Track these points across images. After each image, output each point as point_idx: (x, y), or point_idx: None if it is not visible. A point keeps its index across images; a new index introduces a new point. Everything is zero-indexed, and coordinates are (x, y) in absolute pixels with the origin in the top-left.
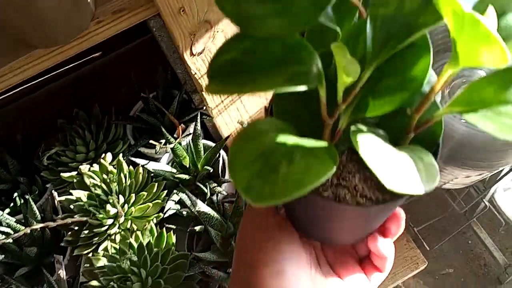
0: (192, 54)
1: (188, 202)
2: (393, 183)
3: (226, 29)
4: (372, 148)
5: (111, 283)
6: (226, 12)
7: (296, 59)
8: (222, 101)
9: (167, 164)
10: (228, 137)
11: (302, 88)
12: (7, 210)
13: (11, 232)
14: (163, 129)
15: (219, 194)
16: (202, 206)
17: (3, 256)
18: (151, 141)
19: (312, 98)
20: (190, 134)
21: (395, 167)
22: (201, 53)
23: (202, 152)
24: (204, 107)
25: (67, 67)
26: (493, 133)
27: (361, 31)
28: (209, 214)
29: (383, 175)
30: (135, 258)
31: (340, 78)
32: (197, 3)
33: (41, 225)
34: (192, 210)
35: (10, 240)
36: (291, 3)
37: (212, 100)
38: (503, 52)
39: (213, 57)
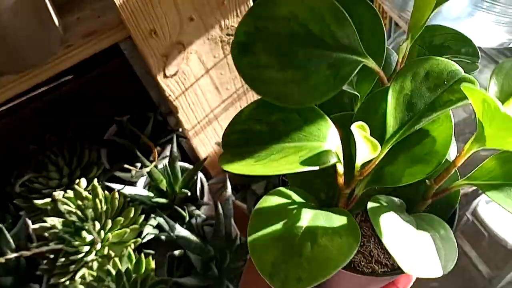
0: (165, 76)
1: (166, 227)
2: (413, 269)
3: (199, 50)
4: (393, 233)
5: None
6: (246, 77)
7: (313, 134)
8: (198, 122)
9: (144, 188)
10: (205, 159)
11: (319, 166)
12: None
13: None
14: (138, 153)
15: (198, 218)
16: (181, 230)
17: None
18: (126, 166)
19: (326, 168)
20: (166, 156)
21: (416, 253)
22: (174, 75)
23: (179, 175)
24: (180, 129)
25: (38, 91)
26: None
27: (381, 101)
28: (188, 238)
29: (404, 262)
30: (113, 286)
31: (358, 155)
32: (169, 25)
33: (15, 254)
34: (171, 234)
35: None
36: (311, 73)
37: (188, 122)
38: None
39: (228, 126)
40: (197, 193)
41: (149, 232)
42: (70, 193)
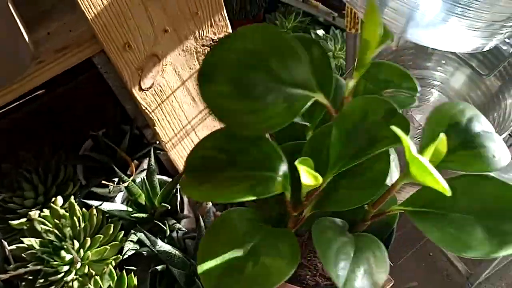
0: (141, 89)
1: (147, 242)
2: (347, 285)
3: (174, 61)
4: (330, 252)
5: None
6: (209, 105)
7: (265, 164)
8: (175, 134)
9: (122, 203)
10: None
11: (267, 195)
12: None
13: None
14: (116, 168)
15: (179, 231)
16: (162, 245)
17: None
18: (104, 182)
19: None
20: (144, 170)
21: (349, 270)
22: (150, 87)
23: (158, 189)
24: (158, 142)
25: (9, 106)
26: (436, 242)
27: (326, 136)
28: (171, 252)
29: (338, 279)
30: None
31: (303, 184)
32: (142, 37)
33: None
34: (153, 250)
35: None
36: (268, 105)
37: (165, 134)
38: (438, 183)
39: (190, 151)
40: (177, 206)
41: (129, 248)
42: (46, 212)
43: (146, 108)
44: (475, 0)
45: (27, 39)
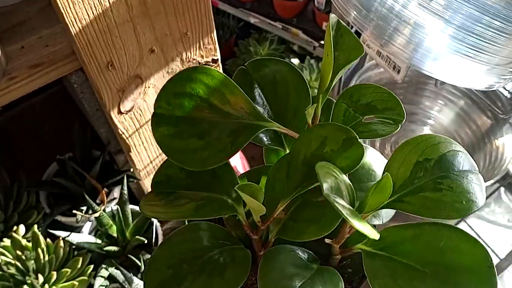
0: (120, 112)
1: (120, 278)
2: None
3: (158, 83)
4: (272, 281)
5: None
6: (159, 144)
7: (221, 187)
8: (151, 162)
9: (90, 234)
10: None
11: (212, 216)
12: None
13: None
14: (87, 196)
15: None
16: (139, 283)
17: None
18: (74, 212)
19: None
20: (114, 199)
21: None
22: (129, 110)
23: (131, 219)
24: (131, 169)
25: None
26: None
27: (284, 164)
28: None
29: None
30: None
31: (252, 212)
32: (127, 57)
33: None
34: (125, 286)
35: None
36: (212, 141)
37: (140, 161)
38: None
39: (159, 168)
40: (152, 240)
41: (100, 284)
42: (7, 242)
43: (123, 133)
44: (482, 42)
45: None
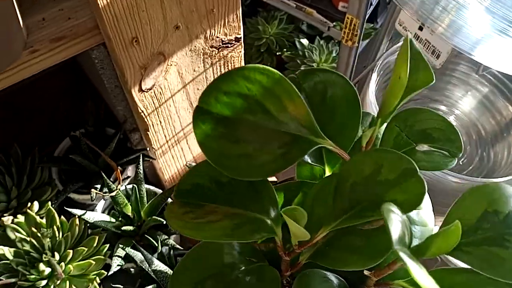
0: (140, 90)
1: (138, 258)
2: None
3: (180, 62)
4: None
5: None
6: (200, 144)
7: (256, 204)
8: (167, 141)
9: (103, 212)
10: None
11: (250, 240)
12: None
13: None
14: (103, 174)
15: (170, 247)
16: (158, 264)
17: None
18: (92, 190)
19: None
20: (128, 177)
21: None
22: (150, 88)
23: (146, 199)
24: (145, 148)
25: None
26: None
27: (329, 186)
28: (166, 273)
29: None
30: None
31: (292, 235)
32: (152, 33)
33: None
34: (143, 267)
35: None
36: (262, 150)
37: (157, 141)
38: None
39: (184, 175)
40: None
41: (117, 263)
42: (21, 218)
43: (143, 111)
44: None
45: (21, 24)
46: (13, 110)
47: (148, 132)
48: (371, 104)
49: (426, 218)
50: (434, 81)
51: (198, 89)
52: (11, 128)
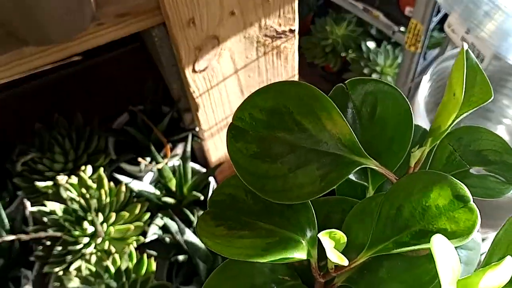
0: (194, 70)
1: (173, 228)
2: None
3: (233, 47)
4: None
5: None
6: (232, 160)
7: (291, 222)
8: (216, 124)
9: (149, 184)
10: (220, 164)
11: (283, 261)
12: None
13: None
14: (153, 147)
15: None
16: (190, 235)
17: None
18: (139, 159)
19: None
20: (176, 155)
21: None
22: (203, 70)
23: (190, 176)
24: (196, 128)
25: (48, 67)
26: None
27: (373, 208)
28: (197, 244)
29: None
30: (113, 284)
31: (328, 260)
32: (208, 16)
33: (13, 237)
34: (177, 238)
35: None
36: (299, 171)
37: (207, 122)
38: None
39: (218, 185)
40: (207, 197)
41: (154, 231)
42: (74, 179)
43: (194, 92)
44: None
45: None
46: (84, 83)
47: (198, 113)
48: (419, 108)
49: (473, 241)
50: (493, 97)
51: (249, 76)
52: (80, 99)
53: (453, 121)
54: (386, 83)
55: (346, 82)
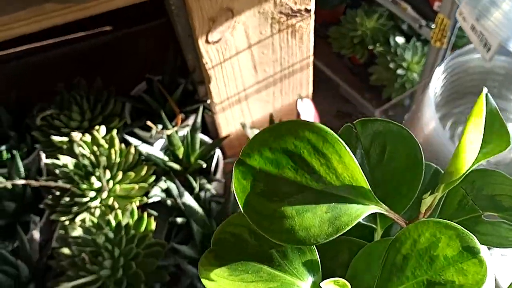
0: (207, 41)
1: (175, 192)
2: None
3: (247, 22)
4: None
5: (83, 254)
6: (238, 199)
7: (294, 265)
8: (228, 98)
9: (160, 151)
10: (227, 136)
11: None
12: None
13: None
14: (163, 114)
15: (207, 192)
16: (188, 199)
17: None
18: (148, 122)
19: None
20: (188, 125)
21: None
22: (216, 42)
23: (198, 146)
24: (208, 101)
25: (75, 35)
26: None
27: (376, 254)
28: (194, 208)
29: None
30: (111, 235)
31: None
32: None
33: (24, 181)
34: (177, 201)
35: None
36: (302, 212)
37: (218, 95)
38: None
39: (223, 223)
40: (211, 168)
41: (156, 193)
42: (87, 138)
43: (207, 63)
44: None
45: None
46: (112, 53)
47: (210, 85)
48: (429, 102)
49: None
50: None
51: (263, 53)
52: (105, 67)
53: (468, 169)
54: (395, 124)
55: (355, 122)
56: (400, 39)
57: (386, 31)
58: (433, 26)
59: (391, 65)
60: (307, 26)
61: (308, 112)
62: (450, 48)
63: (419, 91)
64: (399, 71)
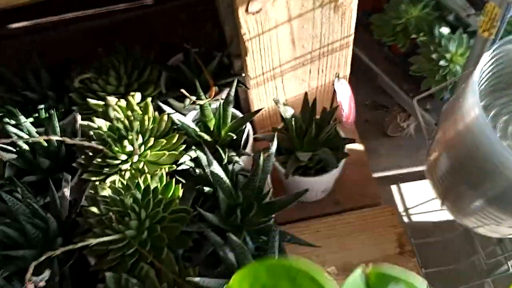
0: (247, 11)
1: (204, 161)
2: None
3: None
4: None
5: (110, 213)
6: None
7: None
8: (263, 73)
9: (192, 121)
10: (259, 110)
11: None
12: (31, 119)
13: (30, 140)
14: (198, 85)
15: (235, 164)
16: (216, 168)
17: (16, 156)
18: (182, 90)
19: None
20: (221, 98)
21: None
22: (257, 12)
23: (229, 120)
24: (243, 75)
25: (119, 6)
26: None
27: None
28: (222, 177)
29: None
30: (139, 197)
31: None
32: None
33: (59, 138)
34: (206, 171)
35: (26, 147)
36: None
37: (254, 69)
38: None
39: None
40: (241, 142)
41: (186, 161)
42: (122, 103)
43: (245, 34)
44: None
45: None
46: (152, 25)
47: (247, 58)
48: (474, 86)
49: None
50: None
51: (303, 27)
52: (145, 39)
53: None
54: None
55: (368, 271)
56: (445, 30)
57: (431, 20)
58: (481, 16)
59: (434, 56)
60: (350, 2)
61: (345, 93)
62: (498, 39)
63: (460, 82)
64: (442, 62)
